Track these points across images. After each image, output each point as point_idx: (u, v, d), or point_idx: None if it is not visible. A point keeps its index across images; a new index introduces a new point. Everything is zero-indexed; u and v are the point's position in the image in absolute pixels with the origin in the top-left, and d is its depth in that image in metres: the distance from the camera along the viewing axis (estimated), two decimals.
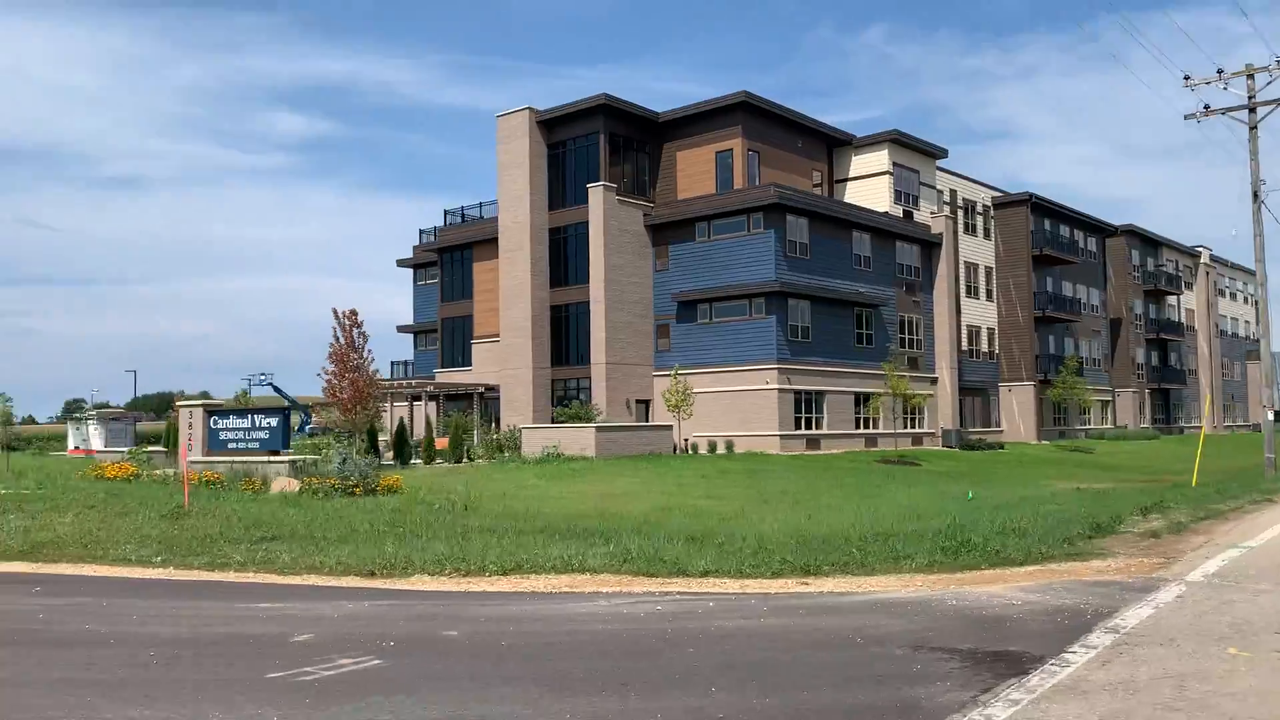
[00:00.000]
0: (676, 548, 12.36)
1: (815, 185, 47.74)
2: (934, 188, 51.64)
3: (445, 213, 50.91)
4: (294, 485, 19.27)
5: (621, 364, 42.69)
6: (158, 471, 20.99)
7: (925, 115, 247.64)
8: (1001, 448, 49.25)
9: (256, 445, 21.10)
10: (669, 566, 11.37)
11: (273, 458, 20.62)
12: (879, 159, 48.54)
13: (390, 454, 34.41)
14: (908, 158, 49.27)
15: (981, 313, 57.00)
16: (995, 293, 58.44)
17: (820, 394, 42.49)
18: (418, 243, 54.92)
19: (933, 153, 50.79)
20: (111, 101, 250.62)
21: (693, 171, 44.59)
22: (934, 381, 49.59)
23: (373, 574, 11.61)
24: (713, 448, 39.72)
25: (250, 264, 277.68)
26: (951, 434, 48.23)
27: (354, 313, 33.48)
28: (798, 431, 41.17)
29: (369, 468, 20.34)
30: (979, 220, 57.54)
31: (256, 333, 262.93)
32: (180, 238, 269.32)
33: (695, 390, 42.08)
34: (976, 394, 55.93)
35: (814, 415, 42.27)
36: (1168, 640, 7.68)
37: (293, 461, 20.33)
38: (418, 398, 48.17)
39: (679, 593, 10.26)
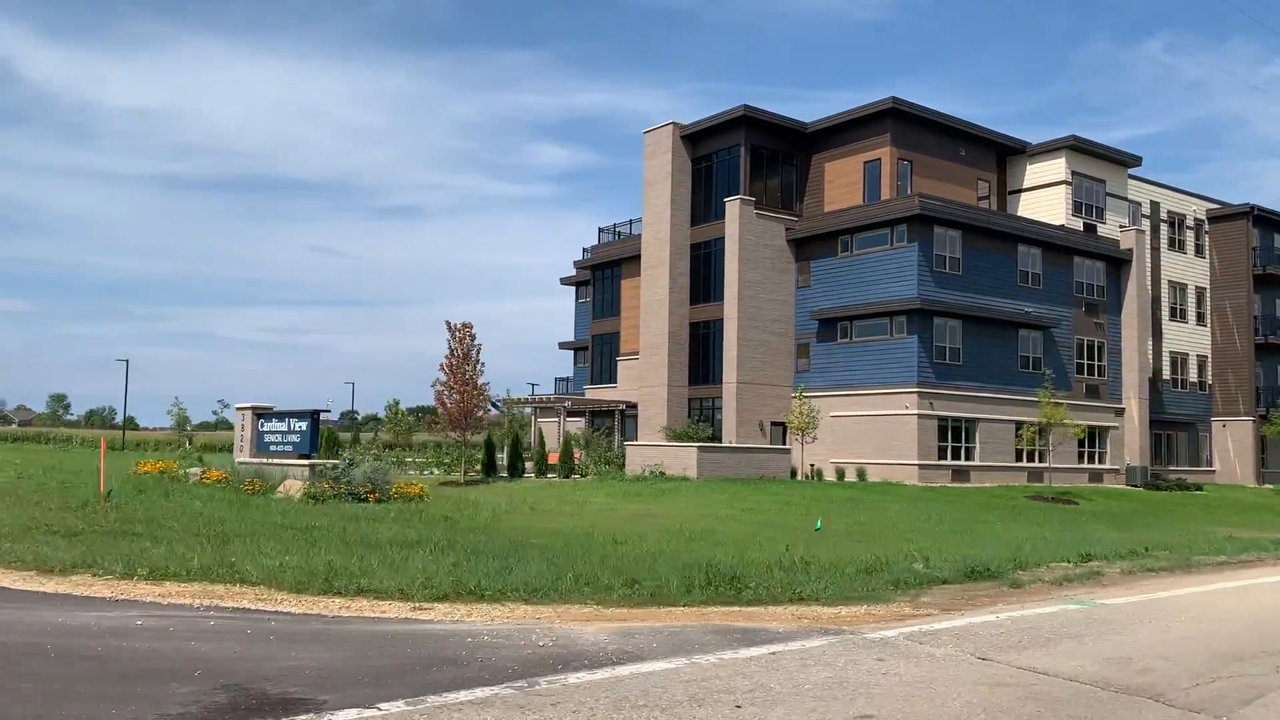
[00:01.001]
0: (526, 568, 10.99)
1: (983, 197, 44.15)
2: (1124, 199, 46.61)
3: (599, 230, 51.01)
4: (296, 488, 19.24)
5: (755, 384, 40.93)
6: (195, 470, 21.64)
7: (1216, 129, 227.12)
8: (1199, 489, 43.53)
9: (289, 449, 21.36)
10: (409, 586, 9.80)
11: (300, 461, 20.80)
12: (1055, 168, 44.32)
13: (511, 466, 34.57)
14: (1090, 166, 44.70)
15: (1191, 338, 50.90)
16: (1209, 316, 52.04)
17: (972, 421, 39.01)
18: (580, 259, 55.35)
19: (1122, 160, 45.87)
20: (395, 138, 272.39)
21: (840, 184, 42.35)
22: (1118, 413, 44.54)
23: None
24: (840, 474, 37.29)
25: (510, 287, 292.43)
26: (1136, 471, 43.09)
27: (467, 325, 33.79)
28: (942, 462, 37.92)
29: (379, 475, 20.07)
30: (1189, 236, 51.50)
31: (507, 351, 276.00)
32: (452, 262, 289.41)
33: (833, 414, 39.86)
34: (1182, 429, 49.89)
35: (963, 445, 38.84)
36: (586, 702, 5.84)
37: (312, 465, 20.38)
38: (574, 414, 48.39)
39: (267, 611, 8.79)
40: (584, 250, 53.27)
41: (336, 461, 21.14)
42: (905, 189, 40.90)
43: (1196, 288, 51.72)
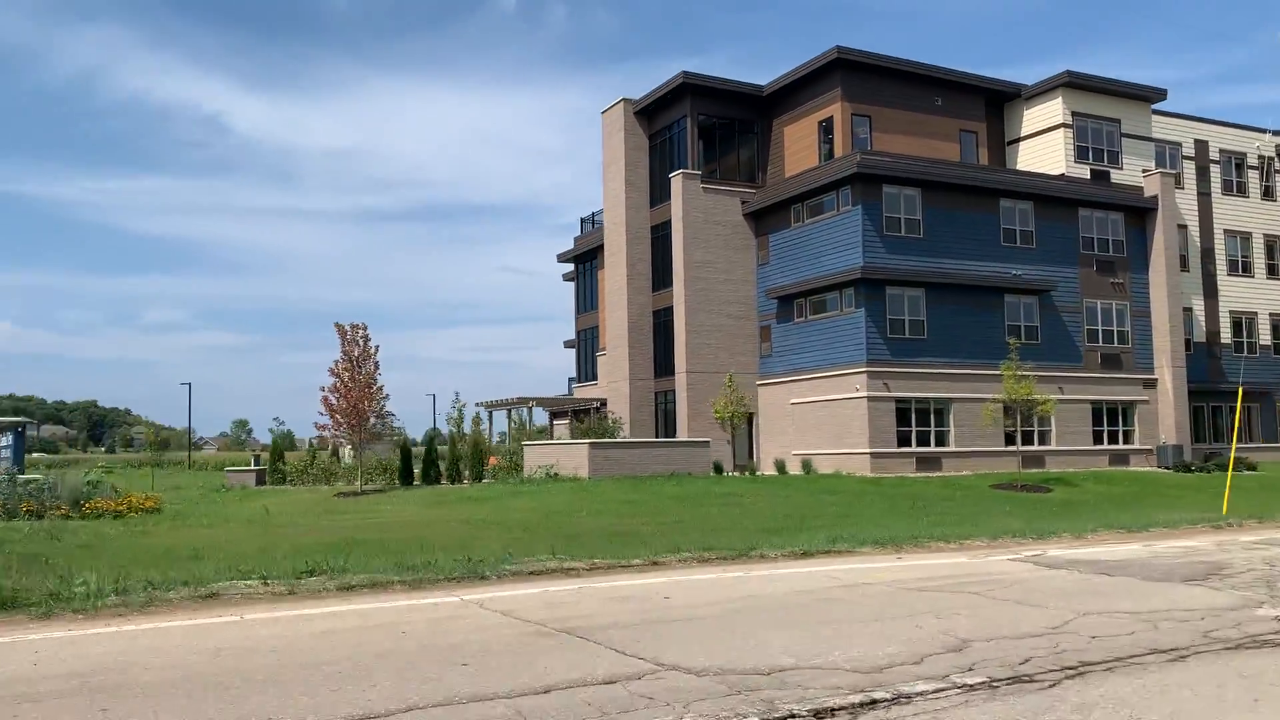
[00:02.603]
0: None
1: (977, 148, 39.26)
2: (1148, 139, 40.54)
3: (581, 220, 48.66)
4: None
5: (712, 372, 37.61)
6: None
7: None
8: (1253, 468, 37.20)
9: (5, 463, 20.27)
10: None
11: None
12: (1051, 110, 38.95)
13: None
14: (1095, 104, 39.03)
15: (1260, 294, 44.03)
16: None
17: (944, 402, 34.50)
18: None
19: (1139, 96, 39.89)
20: (574, 156, 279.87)
21: (798, 148, 38.53)
22: (1147, 384, 38.66)
23: None
24: (781, 467, 33.67)
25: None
26: (1169, 450, 37.20)
27: (357, 326, 32.18)
28: (903, 449, 33.64)
29: (66, 491, 18.57)
30: (1252, 177, 44.57)
31: None
32: None
33: (793, 401, 36.24)
34: (1251, 399, 43.10)
35: (931, 429, 34.40)
36: None
37: (11, 478, 19.14)
38: (562, 415, 46.33)
39: None
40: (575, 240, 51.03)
41: (37, 476, 19.82)
42: (866, 146, 36.74)
43: (1266, 236, 44.68)
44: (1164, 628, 6.70)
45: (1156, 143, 41.71)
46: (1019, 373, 31.17)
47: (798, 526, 16.36)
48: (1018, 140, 40.11)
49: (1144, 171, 39.54)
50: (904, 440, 33.77)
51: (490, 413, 47.26)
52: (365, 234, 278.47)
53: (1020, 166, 39.65)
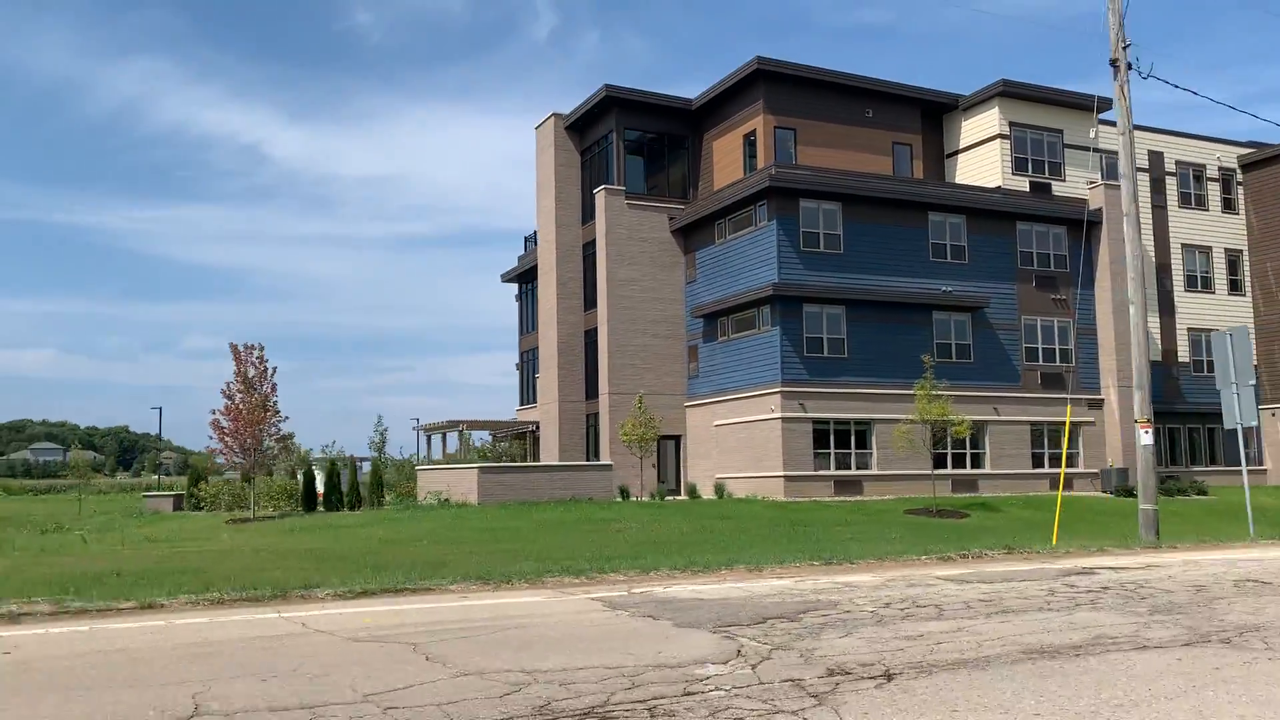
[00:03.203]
0: None
1: (912, 161, 38.03)
2: (1095, 150, 39.10)
3: (525, 240, 47.76)
4: None
5: (635, 394, 36.43)
6: None
7: None
8: (1203, 492, 35.50)
9: None
10: None
11: None
12: (987, 121, 37.70)
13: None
14: (1034, 115, 37.70)
15: (1220, 311, 42.27)
16: (1249, 284, 43.18)
17: (866, 423, 33.15)
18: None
19: (1084, 105, 38.41)
20: None
21: (725, 163, 37.50)
22: (1093, 405, 37.08)
23: None
24: (692, 491, 32.44)
25: None
26: (1112, 473, 35.57)
27: (251, 347, 31.35)
28: (821, 472, 32.30)
29: None
30: (1212, 190, 42.96)
31: None
32: None
33: (716, 423, 35.06)
34: (1213, 420, 41.27)
35: (852, 451, 33.04)
36: None
37: None
38: (502, 438, 45.32)
39: None
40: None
41: None
42: (790, 160, 35.64)
43: (1228, 250, 43.00)
44: (530, 692, 5.40)
45: (1106, 154, 40.27)
46: (933, 392, 29.82)
47: (570, 555, 15.12)
48: (957, 153, 38.86)
49: (1089, 184, 38.12)
50: (822, 463, 32.43)
51: (443, 436, 46.38)
52: (401, 259, 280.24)
53: (959, 180, 38.40)
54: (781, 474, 31.75)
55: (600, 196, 37.18)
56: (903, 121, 37.94)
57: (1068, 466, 36.46)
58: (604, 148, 38.66)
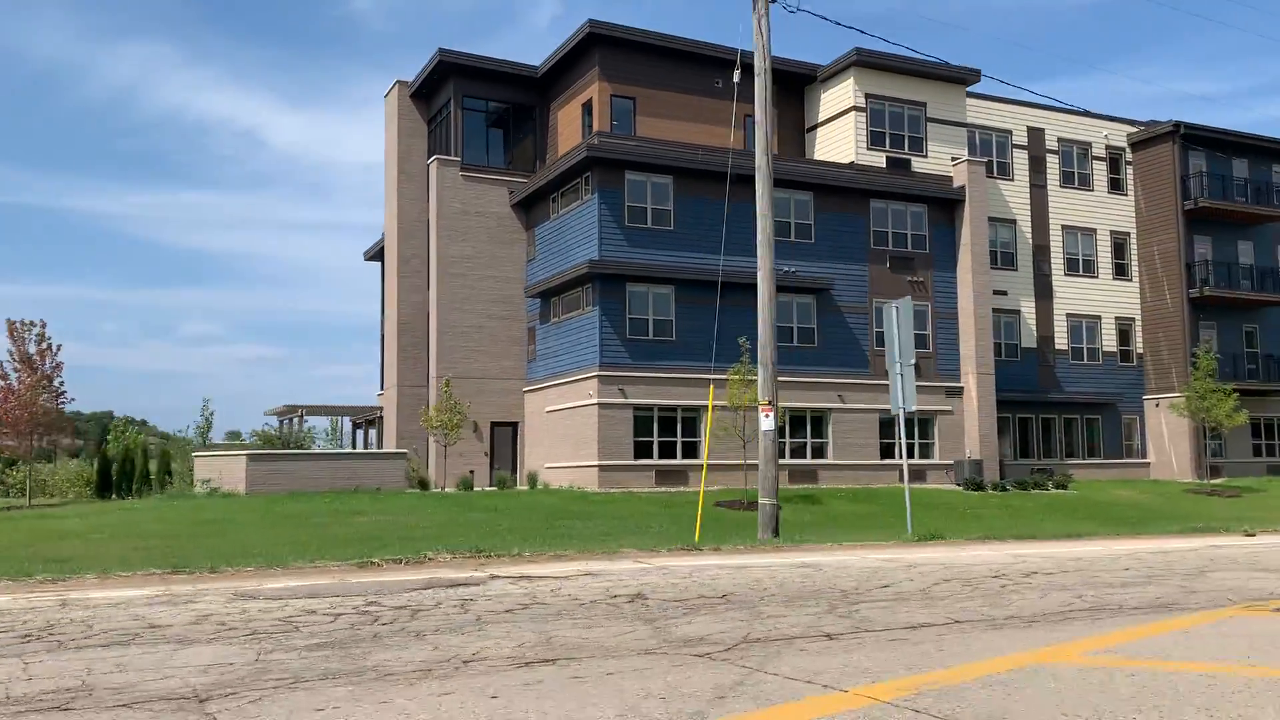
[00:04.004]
0: None
1: (773, 134, 35.98)
2: (961, 124, 37.19)
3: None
4: None
5: (469, 378, 34.55)
6: None
7: None
8: (1062, 486, 33.73)
9: None
10: None
11: None
12: (843, 93, 35.73)
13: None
14: (893, 86, 35.73)
15: (1104, 297, 40.54)
16: (1135, 268, 41.36)
17: (696, 410, 31.28)
18: None
19: (950, 77, 36.50)
20: None
21: (567, 134, 35.48)
22: (951, 393, 35.24)
23: None
24: (502, 483, 30.55)
25: None
26: (965, 465, 33.76)
27: (30, 323, 29.40)
28: (642, 461, 30.45)
29: None
30: (1097, 169, 41.09)
31: None
32: None
33: (549, 409, 33.16)
34: (1092, 410, 39.59)
35: (679, 439, 31.18)
36: None
37: None
38: (369, 422, 43.37)
39: None
40: None
41: None
42: (629, 131, 33.66)
43: (1114, 233, 41.17)
44: None
45: (980, 130, 38.41)
46: (748, 378, 27.90)
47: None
48: (816, 127, 36.90)
49: (953, 160, 36.19)
50: (643, 452, 30.57)
51: (291, 420, 44.39)
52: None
53: (819, 155, 36.46)
54: (596, 463, 29.89)
55: (433, 168, 35.20)
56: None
57: (922, 457, 34.69)
58: (444, 117, 36.63)
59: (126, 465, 30.56)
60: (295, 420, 40.18)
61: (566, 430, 31.92)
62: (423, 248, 37.71)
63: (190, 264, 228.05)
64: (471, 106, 36.15)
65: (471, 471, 31.69)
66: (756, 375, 27.62)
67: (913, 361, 16.26)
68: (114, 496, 29.51)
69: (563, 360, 32.64)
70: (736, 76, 17.41)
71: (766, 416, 15.92)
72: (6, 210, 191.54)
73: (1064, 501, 30.60)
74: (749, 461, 30.05)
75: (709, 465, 30.42)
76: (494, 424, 34.88)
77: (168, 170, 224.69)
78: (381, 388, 44.09)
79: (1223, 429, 36.23)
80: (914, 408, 16.60)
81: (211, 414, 35.63)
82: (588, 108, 34.13)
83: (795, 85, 37.19)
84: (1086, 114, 40.64)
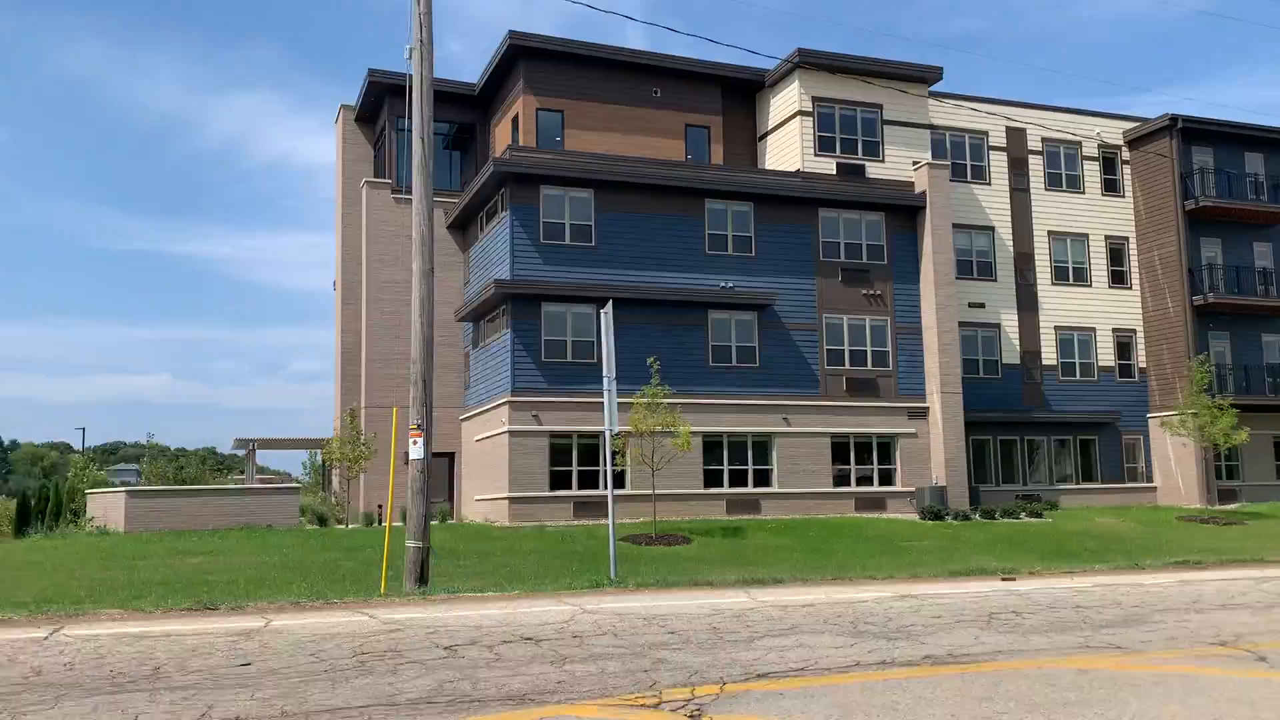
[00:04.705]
0: None
1: (710, 145, 34.16)
2: (923, 126, 34.70)
3: None
4: None
5: (403, 407, 33.09)
6: None
7: None
8: (1037, 515, 30.78)
9: None
10: None
11: None
12: (790, 98, 33.63)
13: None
14: (843, 88, 33.46)
15: (1100, 307, 37.46)
16: (1135, 275, 38.14)
17: (620, 436, 29.25)
18: None
19: (907, 75, 34.09)
20: None
21: (501, 149, 34.06)
22: (915, 414, 32.57)
23: None
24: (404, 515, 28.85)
25: None
26: (926, 492, 31.02)
27: None
28: (559, 492, 28.59)
29: None
30: (1090, 169, 38.10)
31: None
32: None
33: (476, 439, 31.66)
34: (1087, 430, 36.45)
35: (601, 469, 29.23)
36: None
37: None
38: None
39: None
40: None
41: None
42: (557, 145, 32.12)
43: (1110, 238, 38.04)
44: None
45: (952, 131, 35.87)
46: (658, 400, 25.96)
47: None
48: (766, 134, 34.84)
49: (914, 164, 33.73)
50: (561, 482, 28.70)
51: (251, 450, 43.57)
52: None
53: (769, 164, 34.40)
54: (506, 495, 28.15)
55: (364, 191, 34.13)
56: (699, 101, 34.07)
57: (883, 484, 32.09)
58: (385, 140, 35.61)
59: (42, 501, 29.86)
60: (247, 453, 39.31)
61: (487, 461, 30.31)
62: (362, 274, 36.62)
63: (297, 303, 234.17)
64: (407, 127, 34.93)
65: (379, 506, 30.19)
66: (661, 400, 25.76)
67: (613, 375, 14.24)
68: (30, 532, 28.79)
69: (486, 387, 31.07)
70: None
71: (415, 443, 14.05)
72: (125, 256, 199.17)
73: (1026, 532, 27.72)
74: (660, 491, 28.15)
75: (636, 496, 28.53)
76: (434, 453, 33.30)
77: (275, 215, 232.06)
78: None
79: (1221, 448, 32.79)
80: (615, 428, 14.61)
81: (153, 444, 34.92)
82: (516, 123, 32.71)
83: (747, 92, 35.27)
84: (1075, 111, 37.85)
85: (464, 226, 34.23)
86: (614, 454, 20.84)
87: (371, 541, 23.68)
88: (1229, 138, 38.37)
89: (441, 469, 33.91)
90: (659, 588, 13.72)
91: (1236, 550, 24.01)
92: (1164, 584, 14.87)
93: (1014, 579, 14.81)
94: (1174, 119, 36.85)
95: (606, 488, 17.96)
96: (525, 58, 32.09)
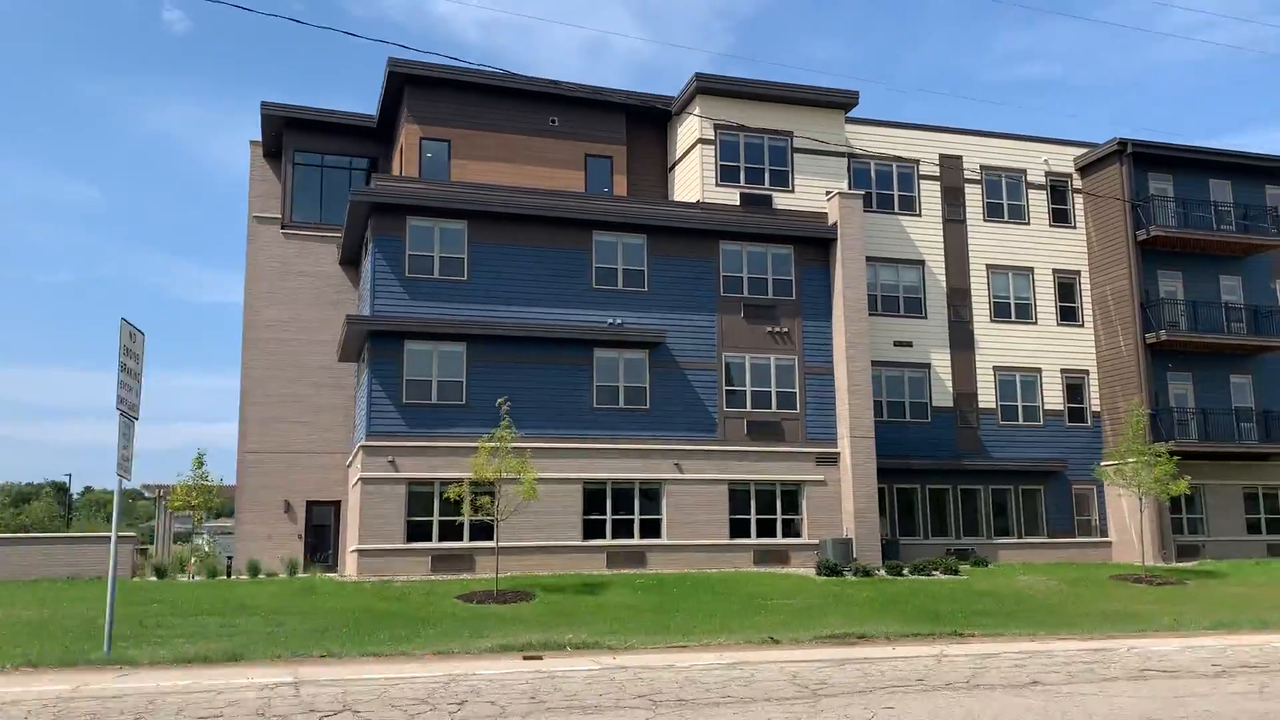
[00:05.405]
0: None
1: (613, 175, 32.43)
2: (840, 154, 32.58)
3: None
4: None
5: (287, 452, 31.69)
6: None
7: None
8: (954, 571, 28.08)
9: None
10: None
11: None
12: (691, 126, 31.79)
13: None
14: (750, 114, 31.50)
15: (1045, 346, 34.75)
16: (1089, 312, 35.42)
17: (490, 484, 27.28)
18: None
19: (818, 101, 32.10)
20: None
21: None
22: (824, 460, 30.11)
23: None
24: (254, 570, 27.13)
25: None
26: (829, 545, 28.44)
27: None
28: (418, 544, 26.64)
29: None
30: (1035, 198, 35.63)
31: None
32: None
33: (352, 484, 29.88)
34: (1033, 479, 33.63)
35: (468, 519, 27.25)
36: None
37: None
38: None
39: None
40: None
41: None
42: (443, 175, 30.63)
43: (1060, 271, 35.41)
44: None
45: (878, 160, 33.73)
46: (511, 444, 24.01)
47: None
48: (675, 164, 33.02)
49: (827, 194, 31.60)
50: (420, 533, 26.75)
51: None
52: None
53: (676, 195, 32.54)
54: (357, 547, 26.29)
55: (251, 227, 32.91)
56: (601, 130, 32.39)
57: (788, 536, 29.63)
58: (284, 174, 34.43)
59: None
60: (162, 500, 38.03)
61: (351, 511, 28.51)
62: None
63: None
64: (305, 161, 33.83)
65: (228, 558, 28.48)
66: (510, 442, 23.80)
67: (134, 413, 12.34)
68: None
69: (359, 431, 29.37)
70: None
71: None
72: (196, 308, 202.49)
73: (923, 591, 25.06)
74: (533, 543, 26.17)
75: (506, 548, 26.49)
76: (310, 503, 31.70)
77: None
78: None
79: (1160, 499, 29.79)
80: (128, 479, 12.70)
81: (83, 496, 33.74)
82: (403, 153, 31.32)
83: (659, 121, 33.53)
84: (1019, 137, 35.55)
85: (355, 263, 32.79)
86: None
87: (178, 599, 21.96)
88: (1191, 164, 35.67)
89: (327, 517, 32.25)
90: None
91: (1139, 617, 21.28)
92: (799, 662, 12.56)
93: (540, 658, 12.82)
94: (1123, 143, 34.30)
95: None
96: (410, 85, 30.77)
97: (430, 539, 26.75)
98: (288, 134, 33.45)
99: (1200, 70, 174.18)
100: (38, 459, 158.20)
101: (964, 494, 32.86)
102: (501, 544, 27.11)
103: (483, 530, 26.80)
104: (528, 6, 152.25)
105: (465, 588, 23.98)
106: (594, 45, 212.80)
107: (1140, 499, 29.66)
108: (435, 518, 26.86)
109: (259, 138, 34.18)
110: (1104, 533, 33.96)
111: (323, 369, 32.30)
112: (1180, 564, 31.87)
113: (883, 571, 27.75)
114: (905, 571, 27.74)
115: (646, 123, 33.35)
